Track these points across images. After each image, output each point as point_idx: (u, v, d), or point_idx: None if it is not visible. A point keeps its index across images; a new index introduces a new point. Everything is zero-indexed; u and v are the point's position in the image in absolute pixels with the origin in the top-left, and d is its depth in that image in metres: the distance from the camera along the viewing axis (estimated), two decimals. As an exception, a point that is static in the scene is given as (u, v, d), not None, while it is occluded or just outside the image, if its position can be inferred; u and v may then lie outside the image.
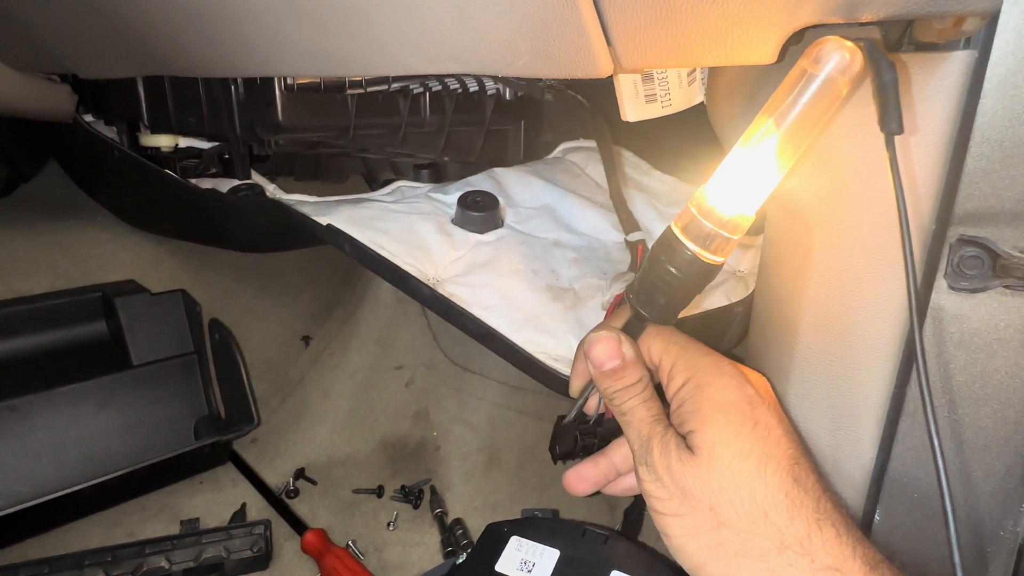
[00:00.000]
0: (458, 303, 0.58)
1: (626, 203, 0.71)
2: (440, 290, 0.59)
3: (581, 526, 0.47)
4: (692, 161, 0.80)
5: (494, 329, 0.57)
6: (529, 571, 0.44)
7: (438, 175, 0.87)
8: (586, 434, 0.46)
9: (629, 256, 0.68)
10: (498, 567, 0.44)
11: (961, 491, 0.42)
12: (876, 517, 0.45)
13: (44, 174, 0.99)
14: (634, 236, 0.66)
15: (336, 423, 0.87)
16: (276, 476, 0.80)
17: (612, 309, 0.56)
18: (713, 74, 0.43)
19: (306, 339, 0.97)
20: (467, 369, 0.93)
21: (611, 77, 0.43)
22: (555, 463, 0.47)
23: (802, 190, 0.40)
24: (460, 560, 0.46)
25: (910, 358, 0.41)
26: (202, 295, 0.86)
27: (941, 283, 0.39)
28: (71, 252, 0.88)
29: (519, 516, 0.52)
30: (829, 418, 0.44)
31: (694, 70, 0.49)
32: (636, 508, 0.62)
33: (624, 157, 0.88)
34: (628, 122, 0.51)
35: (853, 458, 0.44)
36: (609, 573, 0.43)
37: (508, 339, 0.56)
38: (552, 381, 0.55)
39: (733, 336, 0.61)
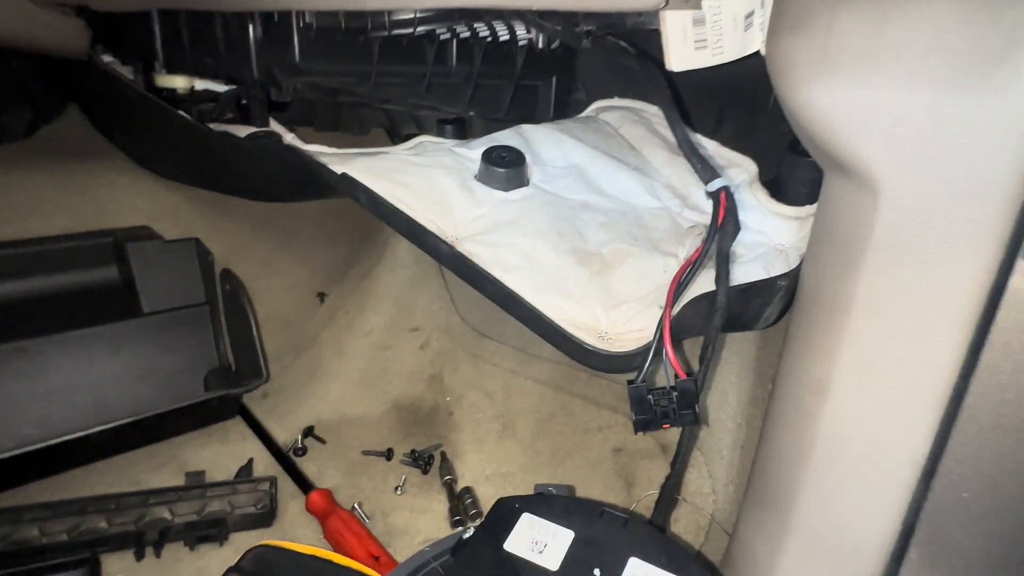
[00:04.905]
0: (478, 263, 0.55)
1: (698, 150, 0.63)
2: (459, 248, 0.56)
3: (598, 506, 0.44)
4: (732, 126, 0.75)
5: (514, 291, 0.53)
6: (540, 552, 0.41)
7: (463, 131, 0.83)
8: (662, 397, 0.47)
9: (663, 222, 0.64)
10: (507, 546, 0.41)
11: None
12: (920, 516, 0.42)
13: (65, 117, 0.97)
14: (715, 184, 0.59)
15: (349, 382, 0.85)
16: (285, 433, 0.78)
17: (681, 273, 0.52)
18: (777, 15, 0.38)
19: (321, 295, 0.94)
20: (484, 335, 0.90)
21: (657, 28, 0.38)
22: (636, 432, 0.47)
23: (871, 150, 0.36)
24: (467, 534, 0.43)
25: (978, 345, 0.37)
26: (218, 245, 0.84)
27: (1021, 264, 0.35)
28: (88, 195, 0.86)
29: (531, 490, 0.49)
30: (880, 407, 0.40)
31: (752, 12, 0.44)
32: (665, 494, 0.57)
33: (662, 118, 0.82)
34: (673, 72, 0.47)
35: (903, 449, 0.40)
36: (626, 560, 0.40)
37: (529, 303, 0.53)
38: (574, 350, 0.52)
39: (773, 313, 0.57)
